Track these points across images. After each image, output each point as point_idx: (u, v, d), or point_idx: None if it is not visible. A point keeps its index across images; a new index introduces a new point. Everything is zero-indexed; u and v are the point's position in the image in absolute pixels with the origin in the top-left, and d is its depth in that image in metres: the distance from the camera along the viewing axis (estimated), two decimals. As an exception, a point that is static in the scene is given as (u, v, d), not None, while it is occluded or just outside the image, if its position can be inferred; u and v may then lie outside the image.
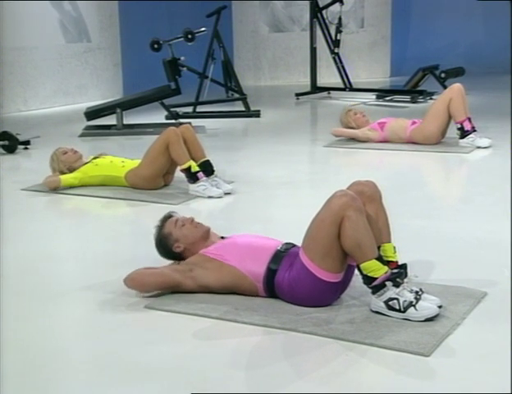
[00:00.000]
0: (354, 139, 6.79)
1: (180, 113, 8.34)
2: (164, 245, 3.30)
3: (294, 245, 3.10)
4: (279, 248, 3.08)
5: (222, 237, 3.34)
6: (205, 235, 3.27)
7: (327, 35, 10.27)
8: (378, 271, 2.81)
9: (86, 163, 5.33)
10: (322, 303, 2.96)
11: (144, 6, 11.87)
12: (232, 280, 3.07)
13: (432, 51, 13.09)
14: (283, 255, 3.03)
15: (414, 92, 9.68)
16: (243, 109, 8.99)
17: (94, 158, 5.37)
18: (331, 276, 2.89)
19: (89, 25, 10.97)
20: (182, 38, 8.33)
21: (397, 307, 2.80)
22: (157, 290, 3.15)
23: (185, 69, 8.29)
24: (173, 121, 8.00)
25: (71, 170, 5.31)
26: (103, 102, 8.91)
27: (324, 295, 2.94)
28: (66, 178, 5.24)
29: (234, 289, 3.10)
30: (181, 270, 3.15)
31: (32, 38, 10.10)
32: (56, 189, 5.22)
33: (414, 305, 2.78)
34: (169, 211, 3.46)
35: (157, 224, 3.35)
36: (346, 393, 2.36)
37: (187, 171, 4.96)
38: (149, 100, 8.17)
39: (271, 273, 3.00)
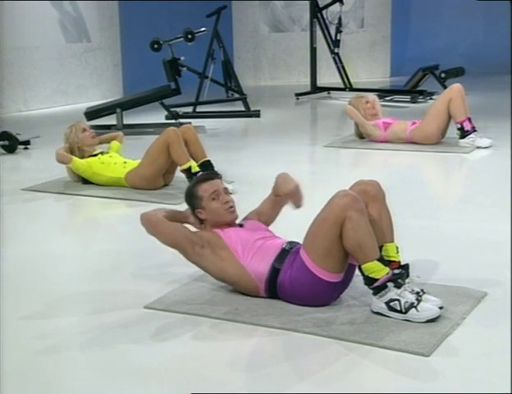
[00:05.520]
0: (353, 138, 6.80)
1: (180, 113, 8.34)
2: (191, 201, 3.21)
3: (298, 243, 3.08)
4: (284, 246, 3.07)
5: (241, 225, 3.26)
6: (229, 223, 3.19)
7: (327, 35, 10.28)
8: (380, 272, 2.81)
9: (93, 155, 5.35)
10: (322, 302, 2.96)
11: (143, 6, 11.87)
12: (235, 277, 3.06)
13: (431, 51, 13.08)
14: (287, 253, 3.02)
15: (414, 92, 9.68)
16: (243, 109, 8.99)
17: (101, 153, 5.38)
18: (332, 275, 2.89)
19: (89, 25, 10.98)
20: (182, 38, 8.33)
21: (398, 308, 2.79)
22: (161, 241, 3.11)
23: (185, 69, 8.29)
24: (173, 121, 8.00)
25: (81, 150, 5.34)
26: (103, 102, 8.91)
27: (324, 294, 2.94)
28: (76, 162, 5.26)
29: (234, 284, 3.11)
30: (195, 242, 3.07)
31: (32, 38, 10.10)
32: (62, 163, 5.25)
33: (416, 307, 2.78)
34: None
35: (199, 177, 3.35)
36: (347, 393, 2.36)
37: (187, 171, 4.95)
38: (149, 100, 8.17)
39: (274, 272, 2.99)
